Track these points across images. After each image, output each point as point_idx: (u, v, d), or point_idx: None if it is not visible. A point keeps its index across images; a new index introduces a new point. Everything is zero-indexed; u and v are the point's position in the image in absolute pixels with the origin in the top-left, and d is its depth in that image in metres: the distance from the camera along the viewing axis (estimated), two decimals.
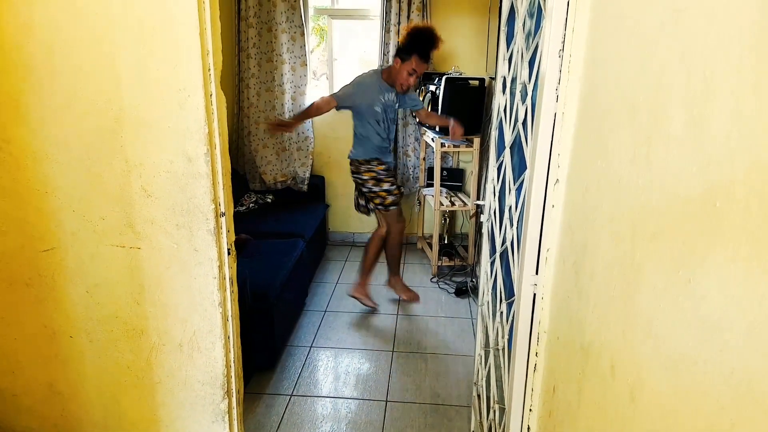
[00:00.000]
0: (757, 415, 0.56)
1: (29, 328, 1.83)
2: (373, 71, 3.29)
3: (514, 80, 1.70)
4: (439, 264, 4.14)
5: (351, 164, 3.37)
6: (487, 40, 4.17)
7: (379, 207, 3.37)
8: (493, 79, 3.61)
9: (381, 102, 3.23)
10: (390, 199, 3.34)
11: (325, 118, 4.47)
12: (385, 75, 3.25)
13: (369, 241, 3.57)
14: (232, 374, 1.83)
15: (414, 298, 3.68)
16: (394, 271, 3.65)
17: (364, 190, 3.37)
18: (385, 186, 3.32)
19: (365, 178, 3.32)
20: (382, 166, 3.32)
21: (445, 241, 4.45)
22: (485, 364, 2.02)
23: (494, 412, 1.84)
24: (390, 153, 3.42)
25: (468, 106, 3.80)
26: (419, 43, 3.12)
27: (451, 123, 3.43)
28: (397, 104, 3.35)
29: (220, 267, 1.70)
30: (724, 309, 0.62)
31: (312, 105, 3.22)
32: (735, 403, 0.60)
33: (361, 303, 3.58)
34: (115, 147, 1.61)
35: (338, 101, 3.18)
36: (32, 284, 1.78)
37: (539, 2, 1.41)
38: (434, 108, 3.83)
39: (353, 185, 3.54)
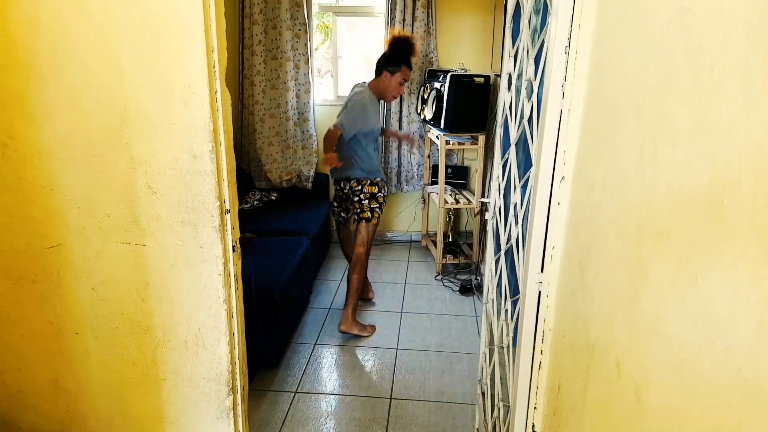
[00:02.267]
0: (764, 414, 0.56)
1: (35, 325, 1.84)
2: (365, 89, 3.22)
3: (519, 77, 1.69)
4: (444, 262, 4.13)
5: (353, 182, 3.26)
6: (492, 37, 4.16)
7: (362, 220, 3.28)
8: (498, 76, 3.60)
9: (378, 120, 3.25)
10: (370, 215, 3.29)
11: (330, 116, 4.49)
12: (373, 89, 3.22)
13: (352, 268, 3.33)
14: (237, 371, 1.83)
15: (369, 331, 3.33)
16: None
17: (355, 199, 3.28)
18: (374, 204, 3.28)
19: (366, 191, 3.26)
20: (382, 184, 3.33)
21: (450, 239, 4.44)
22: (490, 362, 2.02)
23: (499, 409, 1.83)
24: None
25: (473, 103, 3.79)
26: (405, 53, 3.17)
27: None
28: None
29: (225, 264, 1.70)
30: (732, 307, 0.62)
31: (327, 136, 3.13)
32: (742, 401, 0.59)
33: (360, 335, 3.28)
34: (120, 144, 1.61)
35: (343, 131, 3.10)
36: (38, 281, 1.78)
37: None
38: (439, 105, 3.82)
39: None
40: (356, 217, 3.30)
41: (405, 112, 4.39)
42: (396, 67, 3.15)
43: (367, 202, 3.27)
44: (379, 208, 3.31)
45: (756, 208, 0.57)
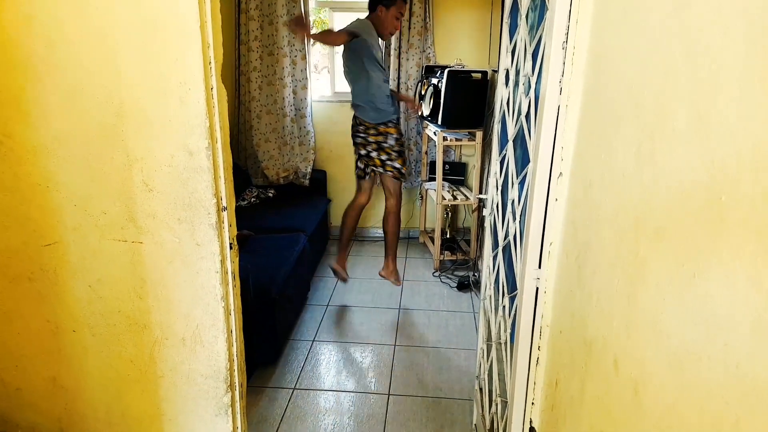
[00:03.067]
0: (762, 411, 0.56)
1: (32, 323, 1.83)
2: (362, 20, 3.23)
3: (517, 73, 1.69)
4: (441, 258, 4.14)
5: (375, 127, 3.28)
6: (489, 33, 4.15)
7: (389, 172, 3.33)
8: (495, 71, 3.59)
9: (380, 49, 3.23)
10: (405, 167, 3.35)
11: (327, 112, 4.48)
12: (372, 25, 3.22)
13: (346, 212, 3.56)
14: (235, 368, 1.83)
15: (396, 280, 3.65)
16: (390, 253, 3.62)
17: (381, 147, 3.30)
18: (401, 154, 3.32)
19: (392, 134, 3.28)
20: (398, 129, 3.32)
21: (447, 236, 4.44)
22: (488, 358, 2.02)
23: (496, 405, 1.84)
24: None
25: (470, 99, 3.79)
26: None
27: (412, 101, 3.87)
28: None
29: (222, 261, 1.70)
30: (730, 304, 0.62)
31: (330, 35, 3.20)
32: (740, 399, 0.59)
33: (338, 276, 3.64)
34: (116, 141, 1.60)
35: (348, 34, 3.07)
36: (35, 279, 1.78)
37: None
38: (437, 101, 3.81)
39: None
40: (380, 169, 3.34)
41: (402, 107, 4.38)
42: (390, 1, 3.14)
43: (387, 145, 3.27)
44: (401, 152, 3.31)
45: (754, 207, 0.57)
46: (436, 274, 4.06)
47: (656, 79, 0.82)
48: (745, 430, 0.59)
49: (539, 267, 1.41)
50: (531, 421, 1.51)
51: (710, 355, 0.65)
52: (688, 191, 0.71)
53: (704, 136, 0.68)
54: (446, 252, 4.18)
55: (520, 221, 1.60)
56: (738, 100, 0.61)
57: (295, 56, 4.26)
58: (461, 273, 4.04)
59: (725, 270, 0.63)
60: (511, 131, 1.72)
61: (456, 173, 4.48)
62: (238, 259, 1.78)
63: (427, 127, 4.26)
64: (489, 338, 2.02)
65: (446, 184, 4.37)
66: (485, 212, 2.10)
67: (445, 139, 3.88)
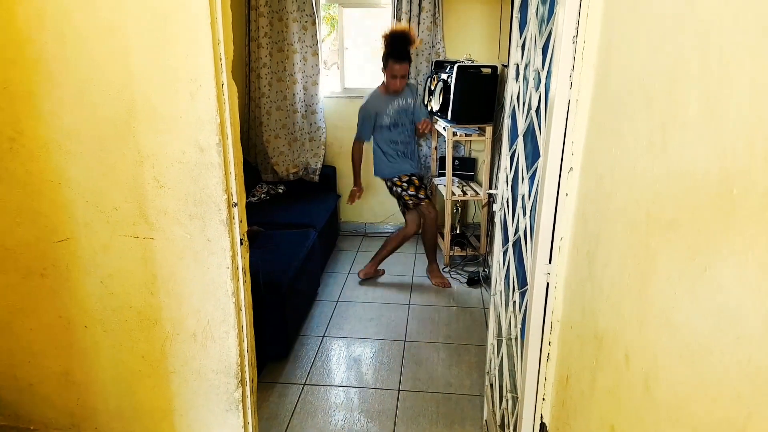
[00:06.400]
0: None
1: (45, 318, 1.85)
2: (373, 91, 3.66)
3: (527, 67, 1.68)
4: (451, 254, 4.13)
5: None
6: (499, 27, 4.13)
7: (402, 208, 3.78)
8: (505, 66, 3.57)
9: (389, 110, 3.59)
10: (411, 202, 3.69)
11: (336, 108, 4.49)
12: (382, 89, 3.60)
13: (391, 235, 3.92)
14: (246, 363, 1.84)
15: (445, 284, 3.83)
16: (430, 258, 3.90)
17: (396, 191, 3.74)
18: (411, 191, 3.68)
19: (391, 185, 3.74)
20: (405, 177, 3.67)
21: (457, 231, 4.43)
22: (498, 354, 2.02)
23: (507, 401, 1.83)
24: (407, 158, 3.70)
25: (480, 94, 3.77)
26: (386, 49, 3.48)
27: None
28: (411, 110, 3.68)
29: (233, 257, 1.70)
30: (742, 297, 0.61)
31: (353, 157, 3.71)
32: (752, 392, 0.59)
33: (375, 275, 3.92)
34: (128, 137, 1.61)
35: (361, 136, 3.65)
36: (47, 275, 1.80)
37: None
38: (446, 96, 3.80)
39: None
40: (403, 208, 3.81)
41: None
42: (384, 65, 3.50)
43: (403, 192, 3.69)
44: (416, 196, 3.66)
45: (766, 197, 0.57)
46: (446, 269, 4.05)
47: (667, 70, 0.81)
48: (757, 424, 0.58)
49: (550, 262, 1.40)
50: (542, 417, 1.50)
51: (722, 348, 0.64)
52: (700, 183, 0.70)
53: (716, 127, 0.67)
54: (456, 247, 4.17)
55: (530, 216, 1.59)
56: (749, 90, 0.61)
57: (306, 52, 4.27)
58: (471, 268, 4.03)
59: (737, 262, 0.62)
60: (522, 126, 1.71)
61: (466, 168, 4.46)
62: (248, 254, 1.78)
63: (436, 123, 4.25)
64: (499, 334, 2.01)
65: (456, 179, 4.35)
66: (495, 207, 2.10)
67: (454, 134, 3.87)
